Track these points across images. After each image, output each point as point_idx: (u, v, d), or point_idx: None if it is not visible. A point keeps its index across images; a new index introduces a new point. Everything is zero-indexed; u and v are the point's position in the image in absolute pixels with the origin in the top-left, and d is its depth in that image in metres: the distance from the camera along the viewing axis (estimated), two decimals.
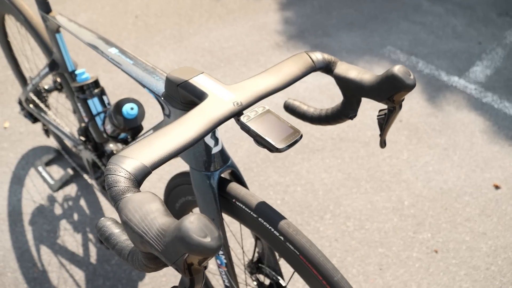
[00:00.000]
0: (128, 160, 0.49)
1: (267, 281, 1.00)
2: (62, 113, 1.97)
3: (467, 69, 2.48)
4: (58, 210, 1.65)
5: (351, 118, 0.74)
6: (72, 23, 0.99)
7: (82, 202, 1.69)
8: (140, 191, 0.47)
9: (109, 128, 1.04)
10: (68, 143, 1.65)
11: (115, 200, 0.46)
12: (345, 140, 1.98)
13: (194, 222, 0.38)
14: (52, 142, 1.91)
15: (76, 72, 1.12)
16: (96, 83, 1.13)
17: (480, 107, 2.21)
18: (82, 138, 1.27)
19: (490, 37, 2.76)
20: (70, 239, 1.55)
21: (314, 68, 0.70)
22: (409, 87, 0.62)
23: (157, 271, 0.46)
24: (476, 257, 1.53)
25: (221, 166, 0.77)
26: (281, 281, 0.95)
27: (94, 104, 1.12)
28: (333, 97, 2.21)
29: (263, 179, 1.79)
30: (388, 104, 0.66)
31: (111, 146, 1.25)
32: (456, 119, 2.13)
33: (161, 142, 0.53)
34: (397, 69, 0.62)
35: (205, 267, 0.42)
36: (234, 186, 0.77)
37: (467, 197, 1.74)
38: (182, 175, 0.91)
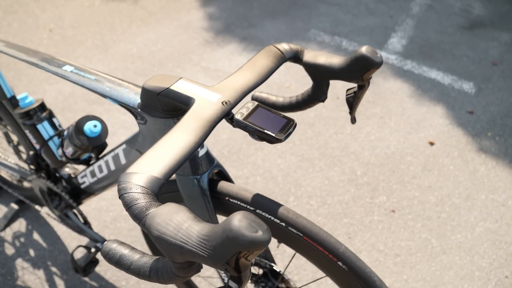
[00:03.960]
0: (139, 176, 0.48)
1: (260, 271, 1.02)
2: None
3: (385, 41, 2.68)
4: (10, 250, 1.52)
5: (323, 101, 0.79)
6: (6, 43, 0.92)
7: (36, 236, 1.57)
8: (161, 204, 0.46)
9: (70, 150, 0.98)
10: (9, 175, 1.51)
11: (140, 217, 0.45)
12: None
13: (243, 220, 0.40)
14: None
15: (18, 97, 1.04)
16: (42, 106, 1.05)
17: (403, 74, 2.42)
18: (33, 167, 1.18)
19: (399, 10, 3.01)
20: (32, 277, 1.44)
21: (285, 58, 0.73)
22: (378, 65, 0.67)
23: (188, 279, 0.47)
24: (428, 209, 1.69)
25: (208, 167, 0.77)
26: (275, 267, 0.98)
27: (45, 128, 1.05)
28: (280, 85, 2.27)
29: None
30: (358, 82, 0.71)
31: (67, 170, 1.18)
32: (386, 89, 2.30)
33: (166, 151, 0.52)
34: (365, 50, 0.67)
35: (252, 263, 0.43)
36: (225, 185, 0.77)
37: (409, 157, 1.91)
38: None
